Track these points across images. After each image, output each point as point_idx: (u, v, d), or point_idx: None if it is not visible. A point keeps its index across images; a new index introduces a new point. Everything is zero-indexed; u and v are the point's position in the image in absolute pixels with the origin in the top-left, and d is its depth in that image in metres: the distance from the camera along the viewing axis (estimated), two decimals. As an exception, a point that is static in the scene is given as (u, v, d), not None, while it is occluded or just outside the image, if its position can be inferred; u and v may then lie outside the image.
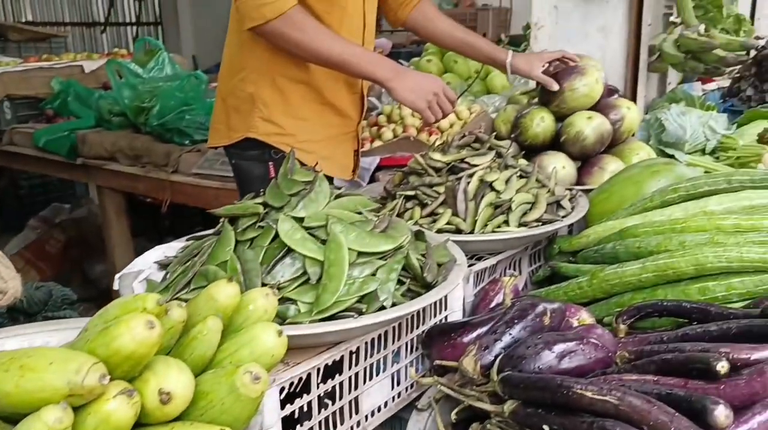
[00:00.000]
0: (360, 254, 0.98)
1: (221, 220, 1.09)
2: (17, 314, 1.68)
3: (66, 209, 4.20)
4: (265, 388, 0.63)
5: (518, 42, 3.92)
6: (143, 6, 11.94)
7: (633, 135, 1.92)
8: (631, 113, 1.83)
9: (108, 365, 0.57)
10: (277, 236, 1.00)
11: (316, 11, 1.64)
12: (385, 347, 1.07)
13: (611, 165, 1.77)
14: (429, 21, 1.95)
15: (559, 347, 0.90)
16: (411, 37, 8.70)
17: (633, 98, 2.20)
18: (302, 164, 1.63)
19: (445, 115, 1.68)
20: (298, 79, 1.71)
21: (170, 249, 1.20)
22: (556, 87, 1.79)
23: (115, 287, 1.07)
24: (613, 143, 1.84)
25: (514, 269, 1.48)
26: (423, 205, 1.42)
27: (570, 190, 1.54)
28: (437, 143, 1.55)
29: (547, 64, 1.84)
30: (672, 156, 1.94)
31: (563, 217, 1.42)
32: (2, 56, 4.73)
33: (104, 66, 3.68)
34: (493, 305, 1.27)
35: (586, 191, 1.62)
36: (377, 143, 2.13)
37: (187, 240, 1.18)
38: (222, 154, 2.24)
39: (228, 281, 0.72)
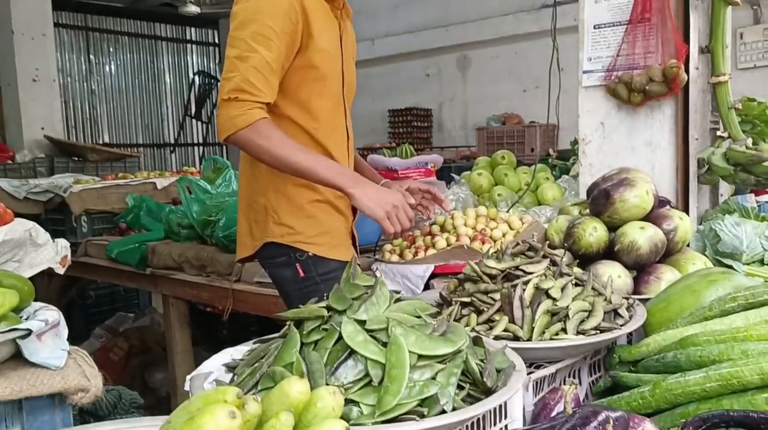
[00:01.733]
0: (420, 357, 1.01)
1: (287, 323, 1.15)
2: (87, 417, 1.73)
3: (130, 318, 4.36)
4: (335, 482, 0.65)
5: (566, 157, 4.03)
6: (210, 128, 12.80)
7: (687, 245, 1.93)
8: (684, 223, 1.85)
9: (192, 453, 0.61)
10: (340, 338, 1.04)
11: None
12: (445, 453, 1.07)
13: (667, 274, 1.77)
14: None
15: (623, 455, 0.89)
16: (461, 153, 9.02)
17: (685, 210, 2.22)
18: (316, 257, 1.87)
19: (403, 230, 1.77)
20: (299, 183, 1.87)
21: (237, 352, 1.26)
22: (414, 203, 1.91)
23: (186, 387, 1.12)
24: (668, 253, 1.85)
25: (574, 378, 1.46)
26: (479, 312, 1.45)
27: (627, 298, 1.55)
28: (491, 252, 1.60)
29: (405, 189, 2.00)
30: (730, 266, 1.93)
31: (621, 325, 1.42)
32: (82, 175, 5.13)
33: (175, 183, 3.95)
34: (553, 414, 1.26)
35: (643, 301, 1.61)
36: (431, 252, 2.19)
37: (254, 343, 1.24)
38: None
39: (300, 377, 0.76)
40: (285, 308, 1.84)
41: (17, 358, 1.17)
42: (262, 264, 2.05)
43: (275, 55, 1.75)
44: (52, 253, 1.65)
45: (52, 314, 1.18)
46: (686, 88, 2.22)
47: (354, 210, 2.04)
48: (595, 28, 2.35)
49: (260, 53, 1.72)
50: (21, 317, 1.16)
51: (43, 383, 1.10)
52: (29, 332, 1.09)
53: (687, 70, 2.19)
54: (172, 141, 12.55)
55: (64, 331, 1.21)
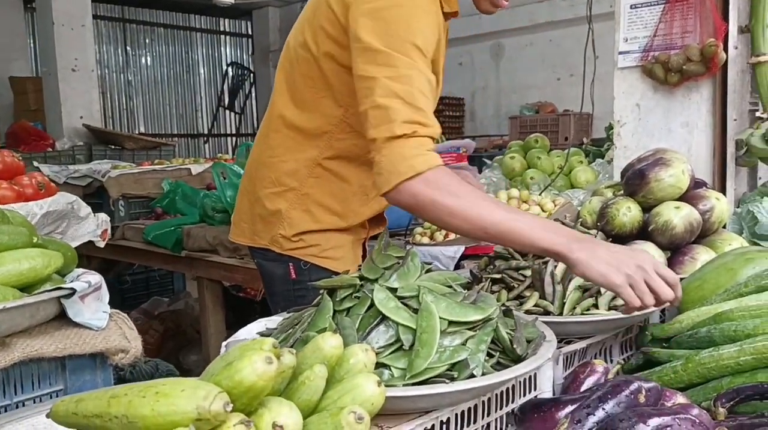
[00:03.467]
0: (450, 323, 1.02)
1: (321, 292, 1.17)
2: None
3: (165, 302, 4.45)
4: (366, 428, 0.67)
5: (600, 144, 3.99)
6: (243, 119, 12.96)
7: (724, 226, 1.90)
8: (720, 204, 1.82)
9: (230, 396, 0.64)
10: (372, 305, 1.06)
11: None
12: (475, 421, 1.08)
13: (703, 255, 1.74)
14: None
15: (654, 421, 0.89)
16: (493, 142, 8.96)
17: (722, 191, 2.18)
18: (328, 271, 1.65)
19: (658, 302, 1.22)
20: (333, 211, 1.69)
21: (271, 322, 1.29)
22: None
23: (222, 352, 1.15)
24: (703, 234, 1.82)
25: (605, 357, 1.46)
26: (510, 289, 1.45)
27: (660, 276, 1.53)
28: (523, 231, 1.59)
29: None
30: (768, 249, 1.89)
31: (654, 302, 1.41)
32: (119, 161, 5.25)
33: (209, 169, 4.02)
34: (583, 388, 1.26)
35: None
36: (463, 234, 2.20)
37: (288, 313, 1.27)
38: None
39: (332, 333, 0.78)
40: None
41: (61, 318, 1.22)
42: (253, 255, 1.85)
43: (428, 64, 1.40)
44: (93, 226, 1.70)
45: (94, 277, 1.22)
46: (724, 68, 2.18)
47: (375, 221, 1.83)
48: (631, 8, 2.32)
49: (418, 67, 1.35)
50: (65, 280, 1.21)
51: (86, 342, 1.15)
52: (73, 292, 1.14)
53: (726, 50, 2.15)
54: (206, 132, 12.74)
55: (106, 294, 1.26)
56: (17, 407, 1.12)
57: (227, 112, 12.93)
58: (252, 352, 0.65)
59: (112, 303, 1.41)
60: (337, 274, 1.66)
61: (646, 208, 1.83)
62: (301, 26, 1.64)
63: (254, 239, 1.79)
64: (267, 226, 1.73)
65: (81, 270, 1.30)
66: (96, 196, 4.14)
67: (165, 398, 0.63)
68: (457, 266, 2.13)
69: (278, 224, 1.71)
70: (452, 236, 2.21)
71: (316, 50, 1.55)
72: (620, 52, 2.35)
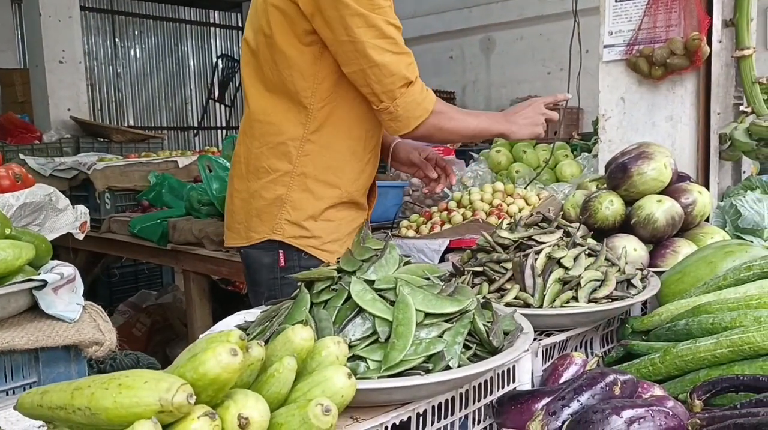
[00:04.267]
0: (427, 315, 1.02)
1: (298, 285, 1.17)
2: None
3: (152, 295, 4.44)
4: (334, 421, 0.67)
5: (588, 138, 3.99)
6: (233, 112, 12.89)
7: (707, 220, 1.90)
8: (702, 198, 1.83)
9: (194, 388, 0.63)
10: (349, 297, 1.06)
11: None
12: (452, 413, 1.08)
13: (684, 248, 1.75)
14: None
15: (627, 413, 0.89)
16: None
17: (706, 185, 2.19)
18: (321, 262, 1.67)
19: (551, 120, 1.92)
20: (332, 184, 1.75)
21: (250, 315, 1.28)
22: (433, 174, 2.01)
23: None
24: (685, 227, 1.82)
25: (586, 350, 1.46)
26: (491, 281, 1.45)
27: (641, 269, 1.53)
28: (505, 224, 1.59)
29: (424, 157, 2.04)
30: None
31: (634, 295, 1.41)
32: (106, 154, 5.21)
33: (196, 161, 3.99)
34: (562, 380, 1.26)
35: (659, 274, 1.60)
36: (447, 226, 2.19)
37: (266, 305, 1.26)
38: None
39: (303, 325, 0.78)
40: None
41: (34, 310, 1.21)
42: (240, 250, 1.86)
43: (394, 18, 1.68)
44: (71, 218, 1.68)
45: (67, 269, 1.21)
46: (708, 62, 2.18)
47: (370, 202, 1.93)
48: (616, 1, 2.32)
49: (389, 20, 1.64)
50: (39, 272, 1.19)
51: (59, 334, 1.13)
52: (44, 284, 1.13)
53: (710, 44, 2.15)
54: (196, 124, 12.66)
55: (80, 286, 1.25)
56: (-9, 400, 1.11)
57: (217, 104, 12.85)
58: (217, 343, 0.65)
59: (101, 296, 1.40)
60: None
61: (629, 202, 1.84)
62: (252, 18, 1.76)
63: (249, 236, 1.78)
64: (267, 217, 1.74)
65: (55, 262, 1.28)
66: (82, 188, 4.10)
67: (127, 390, 0.62)
68: (442, 259, 2.13)
69: (281, 210, 1.72)
70: (437, 229, 2.20)
71: (270, 31, 1.66)
72: (605, 46, 2.35)
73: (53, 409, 0.67)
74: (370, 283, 1.08)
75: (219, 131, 13.03)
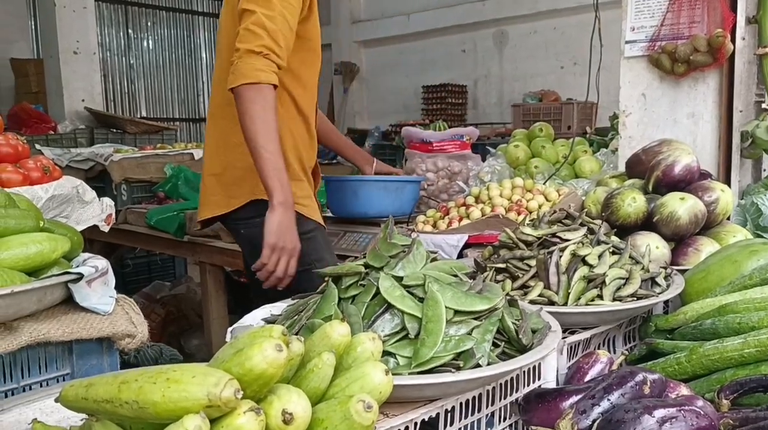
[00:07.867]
0: (456, 312, 1.03)
1: (326, 280, 1.17)
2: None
3: (167, 286, 4.46)
4: (375, 417, 0.68)
5: (604, 134, 3.96)
6: (244, 103, 12.87)
7: (728, 218, 1.89)
8: (725, 195, 1.82)
9: (240, 383, 0.64)
10: (377, 293, 1.06)
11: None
12: (479, 410, 1.08)
13: (707, 247, 1.75)
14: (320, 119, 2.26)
15: (659, 412, 0.90)
16: (496, 130, 8.92)
17: (727, 183, 2.17)
18: (300, 215, 1.82)
19: (273, 277, 1.73)
20: (291, 145, 1.91)
21: (276, 308, 1.29)
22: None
23: (227, 339, 1.16)
24: (708, 226, 1.82)
25: (609, 348, 1.46)
26: (514, 278, 1.45)
27: (665, 268, 1.53)
28: (527, 221, 1.59)
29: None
30: (772, 240, 1.89)
31: (659, 293, 1.41)
32: (121, 145, 5.24)
33: (212, 153, 4.00)
34: (587, 379, 1.26)
35: (681, 272, 1.60)
36: (465, 222, 2.19)
37: (293, 299, 1.27)
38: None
39: (341, 321, 0.78)
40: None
41: (68, 302, 1.22)
42: (233, 227, 1.98)
43: (295, 21, 1.79)
44: (98, 210, 1.70)
45: (101, 262, 1.23)
46: (731, 59, 2.16)
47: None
48: (638, -4, 2.30)
49: (287, 17, 1.76)
50: (72, 265, 1.21)
51: (93, 326, 1.15)
52: (81, 276, 1.14)
53: (733, 41, 2.13)
54: (207, 116, 12.68)
55: (112, 279, 1.26)
56: (24, 391, 1.13)
57: (229, 96, 12.85)
58: (262, 339, 0.66)
59: (115, 286, 1.42)
60: (311, 220, 1.94)
61: (652, 199, 1.83)
62: (226, 3, 1.94)
63: (230, 202, 1.92)
64: (244, 182, 1.88)
65: (87, 254, 1.30)
66: (98, 179, 4.13)
67: (176, 384, 0.63)
68: (460, 255, 2.13)
69: (256, 175, 1.79)
70: (455, 225, 2.20)
71: (238, 6, 1.80)
72: (627, 42, 2.33)
73: (99, 402, 0.68)
74: (399, 279, 1.08)
75: (230, 123, 13.02)
